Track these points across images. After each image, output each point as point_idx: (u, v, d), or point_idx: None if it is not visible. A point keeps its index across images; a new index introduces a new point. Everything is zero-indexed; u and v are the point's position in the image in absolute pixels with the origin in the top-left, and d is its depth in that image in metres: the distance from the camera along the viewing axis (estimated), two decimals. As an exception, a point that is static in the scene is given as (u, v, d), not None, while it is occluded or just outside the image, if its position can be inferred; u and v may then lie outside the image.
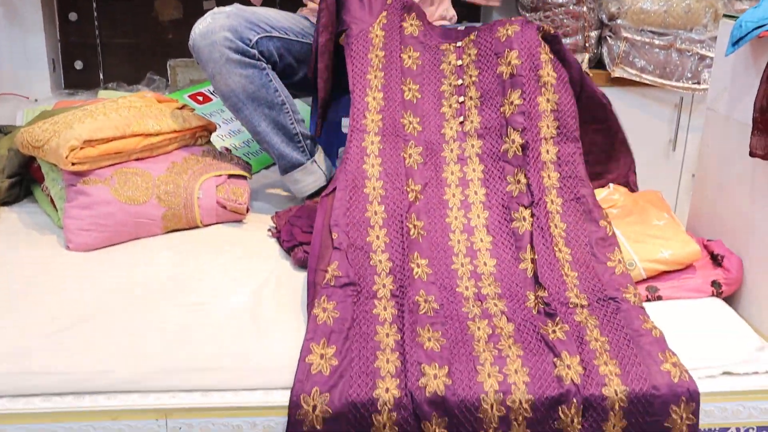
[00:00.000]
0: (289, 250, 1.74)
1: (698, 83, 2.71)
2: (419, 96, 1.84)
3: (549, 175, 1.72)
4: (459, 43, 1.89)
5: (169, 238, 1.83)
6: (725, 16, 1.79)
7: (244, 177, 1.99)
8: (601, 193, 1.79)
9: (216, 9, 1.88)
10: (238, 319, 1.49)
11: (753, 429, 1.48)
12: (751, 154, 1.57)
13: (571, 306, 1.52)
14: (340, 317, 1.46)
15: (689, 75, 2.70)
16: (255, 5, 2.00)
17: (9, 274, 1.62)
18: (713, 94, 1.82)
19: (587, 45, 2.77)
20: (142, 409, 1.33)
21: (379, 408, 1.31)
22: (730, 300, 1.68)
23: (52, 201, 1.90)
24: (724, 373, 1.47)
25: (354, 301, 1.49)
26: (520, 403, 1.34)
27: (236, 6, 1.89)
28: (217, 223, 1.92)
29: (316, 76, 1.91)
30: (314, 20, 1.98)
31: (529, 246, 1.62)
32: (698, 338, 1.51)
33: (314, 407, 1.31)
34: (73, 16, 2.97)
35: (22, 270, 1.64)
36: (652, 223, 1.69)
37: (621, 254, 1.62)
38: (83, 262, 1.70)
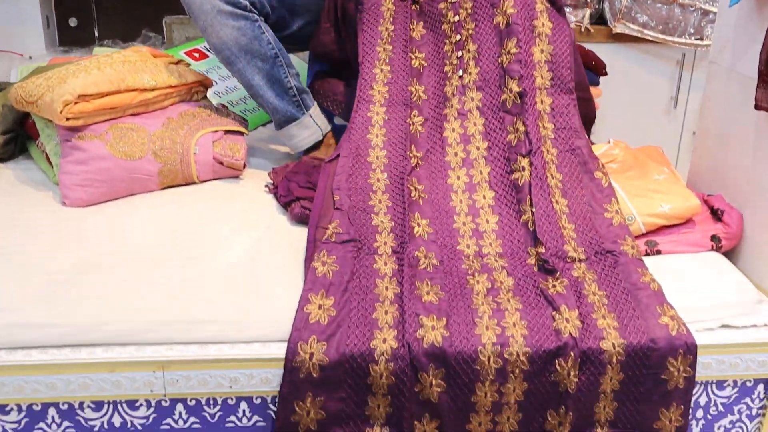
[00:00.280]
0: (286, 205, 1.73)
1: (701, 39, 2.68)
2: (425, 64, 1.82)
3: (544, 125, 1.71)
4: (455, -1, 1.87)
5: (165, 193, 1.82)
6: (729, -33, 1.76)
7: (241, 133, 1.97)
8: (600, 148, 1.77)
9: None
10: (235, 272, 1.48)
11: (750, 381, 1.48)
12: (757, 107, 1.55)
13: (568, 261, 1.52)
14: (340, 270, 1.45)
15: (692, 31, 2.67)
16: None
17: (5, 231, 1.61)
18: (716, 46, 1.79)
19: (588, 0, 2.73)
20: (139, 361, 1.34)
21: (376, 358, 1.31)
22: (730, 254, 1.67)
23: (47, 157, 1.89)
24: (723, 326, 1.47)
25: (354, 257, 1.49)
26: (518, 355, 1.33)
27: None
28: (213, 180, 1.90)
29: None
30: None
31: (528, 197, 1.60)
32: (697, 292, 1.50)
33: (311, 355, 1.31)
34: (67, -28, 2.93)
35: (18, 226, 1.63)
36: (652, 178, 1.68)
37: (618, 205, 1.61)
38: (79, 217, 1.69)
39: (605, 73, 2.24)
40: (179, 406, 1.39)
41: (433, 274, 1.47)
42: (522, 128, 1.68)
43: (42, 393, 1.34)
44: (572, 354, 1.34)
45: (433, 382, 1.32)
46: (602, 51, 2.30)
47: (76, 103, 1.70)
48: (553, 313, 1.39)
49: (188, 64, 2.03)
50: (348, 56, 1.94)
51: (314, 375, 1.31)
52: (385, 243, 1.53)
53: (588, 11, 2.73)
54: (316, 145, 1.95)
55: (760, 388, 1.49)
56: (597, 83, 2.25)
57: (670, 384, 1.38)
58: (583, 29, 2.72)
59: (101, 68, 1.79)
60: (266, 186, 1.86)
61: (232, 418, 1.40)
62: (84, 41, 2.97)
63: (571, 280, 1.46)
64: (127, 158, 1.77)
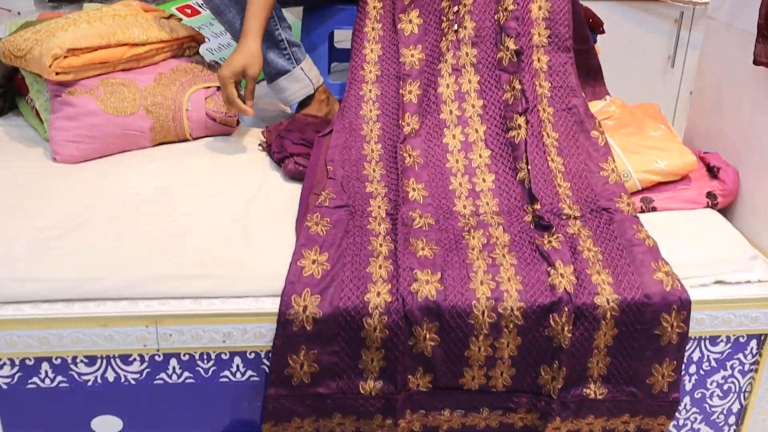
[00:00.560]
0: (279, 162, 1.71)
1: (699, -3, 2.65)
2: (420, 22, 1.79)
3: (540, 84, 1.69)
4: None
5: (158, 150, 1.81)
6: None
7: (234, 89, 1.94)
8: (597, 105, 1.76)
9: None
10: (228, 228, 1.47)
11: (743, 337, 1.48)
12: (756, 62, 1.53)
13: (564, 218, 1.51)
14: (333, 230, 1.44)
15: (690, -11, 2.64)
16: None
17: (-4, 187, 1.60)
18: (715, 1, 1.77)
19: (586, -43, 2.69)
20: (132, 315, 1.33)
21: (370, 311, 1.30)
22: (725, 211, 1.67)
23: (37, 113, 1.87)
24: (717, 282, 1.47)
25: (348, 220, 1.48)
26: (512, 310, 1.33)
27: None
28: (206, 137, 1.89)
29: None
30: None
31: (524, 155, 1.59)
32: (692, 248, 1.50)
33: (305, 308, 1.30)
34: (56, -74, 2.87)
35: (9, 183, 1.62)
36: (649, 134, 1.67)
37: (614, 164, 1.60)
38: (71, 173, 1.68)
39: (602, 31, 2.21)
40: (173, 361, 1.39)
41: (428, 231, 1.46)
42: (518, 87, 1.67)
43: (34, 348, 1.33)
44: (566, 309, 1.34)
45: (427, 336, 1.32)
46: (600, 9, 2.27)
47: (65, 57, 1.68)
48: (548, 268, 1.39)
49: (180, 20, 2.00)
50: None
51: (308, 328, 1.30)
52: (379, 207, 1.53)
53: (586, -32, 2.69)
54: (308, 100, 1.92)
55: (753, 343, 1.49)
56: (594, 41, 2.22)
57: (663, 339, 1.38)
58: (580, -13, 2.68)
59: (90, 22, 1.77)
60: (260, 144, 1.84)
61: (226, 372, 1.40)
62: (73, -4, 2.92)
63: (566, 237, 1.46)
64: (118, 114, 1.75)
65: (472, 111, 1.69)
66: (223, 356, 1.39)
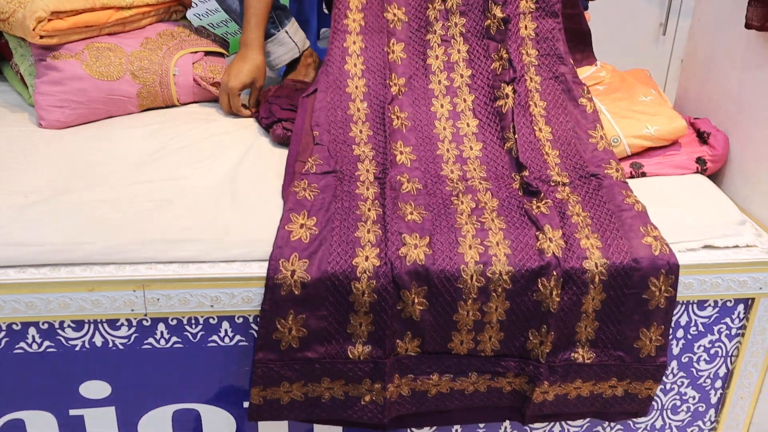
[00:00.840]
0: (267, 127, 1.70)
1: (692, -36, 2.63)
2: None
3: (527, 52, 1.68)
4: None
5: (145, 115, 1.79)
6: None
7: (222, 55, 1.93)
8: (588, 70, 1.75)
9: None
10: (215, 193, 1.46)
11: (730, 302, 1.49)
12: (747, 26, 1.52)
13: (552, 184, 1.51)
14: (321, 195, 1.44)
15: (683, -45, 2.62)
16: None
17: (-20, 151, 1.58)
18: (707, -34, 1.76)
19: None
20: (119, 280, 1.32)
21: (358, 276, 1.30)
22: (714, 177, 1.67)
23: (21, 78, 1.85)
24: (705, 246, 1.47)
25: (336, 185, 1.47)
26: (500, 274, 1.33)
27: None
28: (194, 102, 1.87)
29: None
30: None
31: (512, 125, 1.58)
32: (681, 213, 1.50)
33: (293, 272, 1.30)
34: None
35: (-7, 147, 1.60)
36: (639, 99, 1.66)
37: (603, 131, 1.59)
38: (57, 139, 1.66)
39: (594, -2, 2.19)
40: (161, 326, 1.38)
41: (417, 196, 1.45)
42: (506, 55, 1.65)
43: (21, 312, 1.33)
44: (555, 273, 1.34)
45: (416, 300, 1.32)
46: (591, -26, 2.25)
47: (49, 20, 1.65)
48: (537, 233, 1.39)
49: (166, -17, 1.97)
50: None
51: (296, 292, 1.30)
52: (367, 170, 1.52)
53: (578, -66, 2.66)
54: (294, 64, 1.90)
55: (740, 308, 1.50)
56: (586, 8, 2.21)
57: (651, 304, 1.38)
58: (572, -47, 2.65)
59: (75, -16, 1.74)
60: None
61: (214, 337, 1.40)
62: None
63: (555, 202, 1.45)
64: (104, 79, 1.72)
65: (461, 81, 1.68)
66: (211, 321, 1.39)
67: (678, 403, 1.59)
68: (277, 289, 1.30)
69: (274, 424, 1.50)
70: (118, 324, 1.37)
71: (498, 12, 1.68)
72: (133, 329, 1.38)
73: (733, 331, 1.53)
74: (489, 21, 1.69)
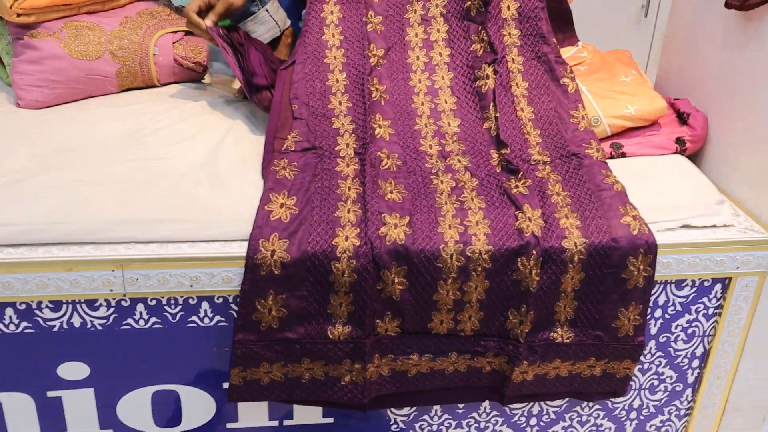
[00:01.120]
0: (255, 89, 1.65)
1: (674, -55, 2.62)
2: None
3: (510, 33, 1.67)
4: None
5: (125, 96, 1.77)
6: None
7: (202, 34, 1.90)
8: (569, 51, 1.74)
9: None
10: (195, 173, 1.46)
11: (708, 281, 1.50)
12: (727, 5, 1.53)
13: (533, 163, 1.51)
14: (301, 174, 1.43)
15: (665, -64, 2.61)
16: None
17: (-44, 131, 1.56)
18: (688, -53, 1.76)
19: None
20: (97, 259, 1.31)
21: (338, 255, 1.30)
22: (694, 157, 1.68)
23: (-1, 57, 1.82)
24: (683, 226, 1.48)
25: (316, 163, 1.47)
26: (480, 253, 1.33)
27: None
28: (174, 82, 1.85)
29: None
30: None
31: (492, 105, 1.58)
32: (660, 193, 1.50)
33: (273, 252, 1.29)
34: None
35: (-30, 127, 1.59)
36: (619, 80, 1.66)
37: (584, 111, 1.59)
38: (35, 119, 1.64)
39: (575, -21, 2.19)
40: (140, 306, 1.38)
41: (396, 173, 1.45)
42: (486, 38, 1.65)
43: (-2, 292, 1.32)
44: (534, 252, 1.34)
45: (396, 280, 1.32)
46: (574, -45, 2.24)
47: (26, -2, 1.63)
48: (516, 212, 1.39)
49: (145, -38, 1.95)
50: None
51: (276, 272, 1.30)
52: (347, 145, 1.51)
53: None
54: (275, 44, 1.89)
55: (718, 287, 1.51)
56: (568, -11, 2.20)
57: (630, 283, 1.39)
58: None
59: (52, -38, 1.71)
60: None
61: (194, 318, 1.40)
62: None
63: (535, 181, 1.46)
64: (83, 58, 1.71)
65: (439, 59, 1.67)
66: (190, 301, 1.38)
67: (656, 382, 1.61)
68: (257, 269, 1.30)
69: (254, 405, 1.50)
70: (97, 304, 1.36)
71: None
72: (111, 309, 1.37)
73: (711, 311, 1.54)
74: (469, 2, 1.68)
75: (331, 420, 1.55)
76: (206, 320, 1.40)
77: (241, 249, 1.32)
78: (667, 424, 1.67)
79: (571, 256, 1.36)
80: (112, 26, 1.76)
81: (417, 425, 1.58)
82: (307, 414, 1.53)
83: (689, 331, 1.55)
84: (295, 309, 1.33)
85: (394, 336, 1.39)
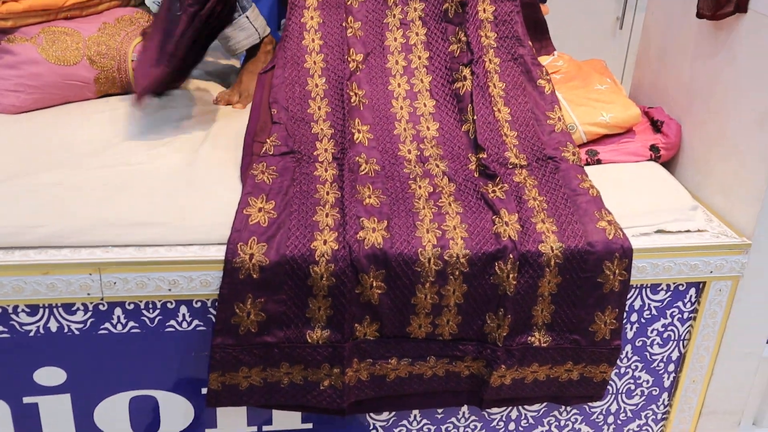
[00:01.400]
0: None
1: (648, -41, 2.67)
2: None
3: (486, 35, 1.69)
4: None
5: (102, 101, 1.77)
6: None
7: (181, 41, 1.91)
8: (546, 60, 1.77)
9: None
10: (173, 177, 1.45)
11: (683, 285, 1.52)
12: (699, 15, 1.56)
13: (510, 167, 1.52)
14: (280, 178, 1.43)
15: (639, -51, 2.66)
16: None
17: (-68, 134, 1.55)
18: (661, -42, 1.79)
19: None
20: (75, 263, 1.31)
21: (316, 259, 1.30)
22: (668, 164, 1.70)
23: (-24, 63, 1.81)
24: (658, 231, 1.50)
25: (294, 167, 1.47)
26: (457, 257, 1.34)
27: None
28: (152, 89, 1.85)
29: None
30: None
31: (470, 106, 1.60)
32: (635, 199, 1.53)
33: (251, 256, 1.29)
34: None
35: (-55, 131, 1.57)
36: (594, 88, 1.68)
37: (561, 112, 1.61)
38: (12, 124, 1.63)
39: (552, -10, 2.22)
40: (117, 310, 1.37)
41: (375, 178, 1.46)
42: (464, 38, 1.67)
43: (-27, 297, 1.31)
44: (511, 257, 1.35)
45: (374, 284, 1.33)
46: (550, -33, 2.27)
47: (3, 2, 1.63)
48: (494, 217, 1.40)
49: (124, -31, 1.95)
50: None
51: (254, 276, 1.30)
52: (326, 150, 1.52)
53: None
54: (255, 51, 1.89)
55: (692, 291, 1.53)
56: (543, 1, 2.23)
57: (606, 287, 1.41)
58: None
59: (31, -32, 1.71)
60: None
61: (172, 322, 1.39)
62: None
63: (511, 186, 1.47)
64: (60, 63, 1.70)
65: (418, 62, 1.68)
66: (168, 305, 1.38)
67: (632, 387, 1.62)
68: (235, 273, 1.30)
69: (232, 411, 1.50)
70: (74, 308, 1.36)
71: None
72: (89, 314, 1.36)
73: (685, 315, 1.56)
74: (447, 4, 1.70)
75: (310, 425, 1.55)
76: (184, 324, 1.40)
77: (219, 252, 1.33)
78: (644, 428, 1.69)
79: (548, 260, 1.37)
80: (90, 32, 1.76)
81: (396, 430, 1.59)
82: (286, 419, 1.53)
83: (665, 335, 1.57)
84: (274, 313, 1.33)
85: (373, 340, 1.39)
